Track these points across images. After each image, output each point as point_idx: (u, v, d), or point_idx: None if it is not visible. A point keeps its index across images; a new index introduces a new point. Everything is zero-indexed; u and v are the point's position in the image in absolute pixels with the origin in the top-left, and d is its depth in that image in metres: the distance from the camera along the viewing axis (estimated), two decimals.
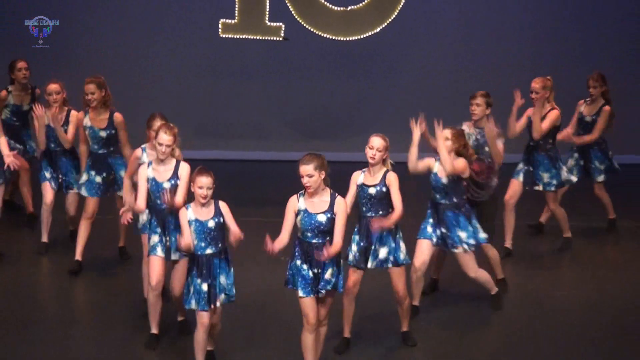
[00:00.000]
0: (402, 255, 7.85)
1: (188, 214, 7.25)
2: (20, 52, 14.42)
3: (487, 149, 9.09)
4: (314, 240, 7.26)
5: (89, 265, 10.07)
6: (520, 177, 10.35)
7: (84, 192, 9.76)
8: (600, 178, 11.16)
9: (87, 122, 9.63)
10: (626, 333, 8.55)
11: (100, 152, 9.65)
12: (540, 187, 10.33)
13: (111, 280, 9.85)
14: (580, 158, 11.03)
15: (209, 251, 7.28)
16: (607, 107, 10.87)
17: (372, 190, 7.79)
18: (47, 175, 10.15)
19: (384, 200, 7.87)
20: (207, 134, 14.28)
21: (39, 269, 10.20)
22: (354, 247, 7.92)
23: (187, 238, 7.27)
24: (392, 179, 7.71)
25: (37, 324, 8.78)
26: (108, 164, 9.74)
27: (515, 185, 10.27)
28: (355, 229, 7.94)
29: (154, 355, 8.19)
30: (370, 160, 7.73)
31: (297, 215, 7.25)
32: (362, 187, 7.88)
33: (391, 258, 7.87)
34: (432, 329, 8.54)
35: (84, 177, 9.75)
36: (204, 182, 7.18)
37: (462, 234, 8.28)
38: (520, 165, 10.63)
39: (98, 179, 9.76)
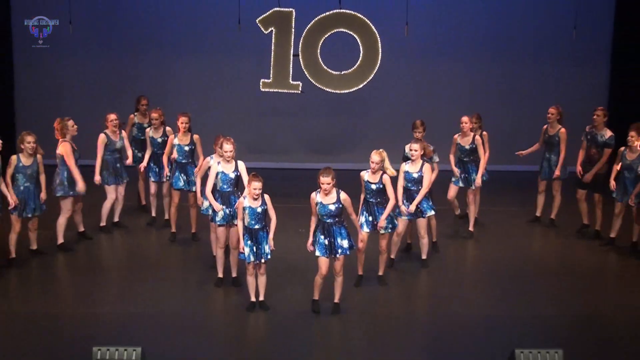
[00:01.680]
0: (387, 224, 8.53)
1: (245, 203, 7.33)
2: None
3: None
4: (329, 220, 7.79)
5: (178, 235, 10.35)
6: (460, 183, 10.36)
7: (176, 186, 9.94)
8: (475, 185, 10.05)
9: (176, 141, 9.78)
10: (513, 275, 9.16)
11: (184, 161, 9.61)
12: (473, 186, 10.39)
13: (193, 244, 10.04)
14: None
15: (257, 227, 7.50)
16: (478, 138, 9.83)
17: (374, 187, 8.39)
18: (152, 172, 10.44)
19: (381, 192, 8.39)
20: (253, 152, 14.37)
21: (148, 235, 10.32)
22: (362, 219, 8.47)
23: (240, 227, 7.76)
24: (387, 180, 8.20)
25: (144, 271, 9.26)
26: (187, 169, 9.67)
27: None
28: (362, 208, 8.40)
29: (220, 291, 8.60)
30: (372, 170, 8.28)
31: (316, 205, 7.68)
32: (367, 183, 8.44)
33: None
34: (404, 276, 9.23)
35: (174, 176, 9.80)
36: (256, 185, 7.43)
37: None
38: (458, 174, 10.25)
39: (182, 179, 9.71)
